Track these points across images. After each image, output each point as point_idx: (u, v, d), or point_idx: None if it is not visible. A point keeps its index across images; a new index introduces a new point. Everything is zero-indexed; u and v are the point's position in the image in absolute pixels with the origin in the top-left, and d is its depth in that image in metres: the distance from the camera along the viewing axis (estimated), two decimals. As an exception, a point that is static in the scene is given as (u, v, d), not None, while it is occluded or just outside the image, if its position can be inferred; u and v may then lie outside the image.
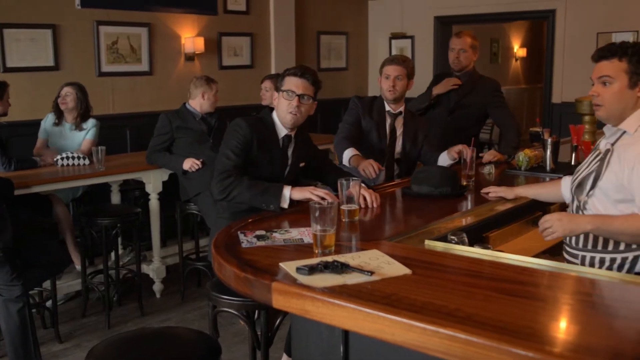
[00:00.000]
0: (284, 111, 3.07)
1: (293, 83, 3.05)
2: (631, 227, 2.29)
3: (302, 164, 3.27)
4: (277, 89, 3.12)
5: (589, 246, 2.49)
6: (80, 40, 5.95)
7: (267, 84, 5.56)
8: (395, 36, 8.87)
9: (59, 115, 4.89)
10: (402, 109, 3.94)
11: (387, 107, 3.91)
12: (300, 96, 3.03)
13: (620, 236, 2.38)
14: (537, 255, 2.68)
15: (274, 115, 3.16)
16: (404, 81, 3.84)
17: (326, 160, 3.51)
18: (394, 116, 3.91)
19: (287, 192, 2.84)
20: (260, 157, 3.08)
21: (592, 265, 2.48)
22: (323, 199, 2.71)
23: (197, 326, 4.21)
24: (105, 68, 6.14)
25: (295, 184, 3.28)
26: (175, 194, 4.87)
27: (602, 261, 2.46)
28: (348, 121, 3.92)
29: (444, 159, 3.81)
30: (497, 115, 4.54)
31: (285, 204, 2.84)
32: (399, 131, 3.93)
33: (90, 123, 4.93)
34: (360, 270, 1.90)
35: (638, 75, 2.36)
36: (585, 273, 2.13)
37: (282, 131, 3.15)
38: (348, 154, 3.67)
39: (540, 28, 11.52)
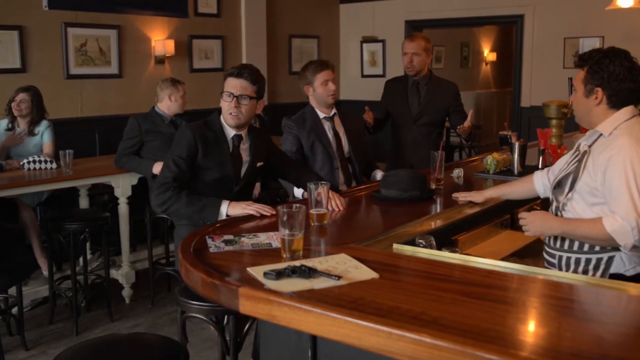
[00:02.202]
0: (225, 113, 3.07)
1: (231, 84, 3.04)
2: (593, 232, 2.35)
3: (260, 164, 3.24)
4: (221, 91, 3.10)
5: (566, 247, 2.53)
6: (48, 42, 5.87)
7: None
8: (367, 40, 8.92)
9: (12, 119, 4.81)
10: (334, 110, 3.93)
11: (321, 114, 3.87)
12: (238, 97, 3.02)
13: (586, 240, 2.43)
14: (505, 259, 2.70)
15: (222, 117, 3.15)
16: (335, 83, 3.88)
17: (285, 157, 3.49)
18: (331, 119, 3.89)
19: (224, 209, 2.84)
20: (209, 161, 3.07)
21: (568, 265, 2.52)
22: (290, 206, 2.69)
23: (167, 332, 4.17)
24: (74, 70, 6.07)
25: (253, 183, 3.27)
26: (145, 198, 4.82)
27: (577, 261, 2.49)
28: (288, 149, 3.82)
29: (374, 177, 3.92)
30: (456, 120, 4.52)
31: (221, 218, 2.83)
32: (341, 131, 3.91)
33: (43, 125, 4.87)
34: (328, 274, 1.90)
35: (592, 85, 2.41)
36: (552, 276, 2.15)
37: (230, 132, 3.14)
38: (300, 190, 3.62)
39: (509, 33, 11.67)
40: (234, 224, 2.65)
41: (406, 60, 4.50)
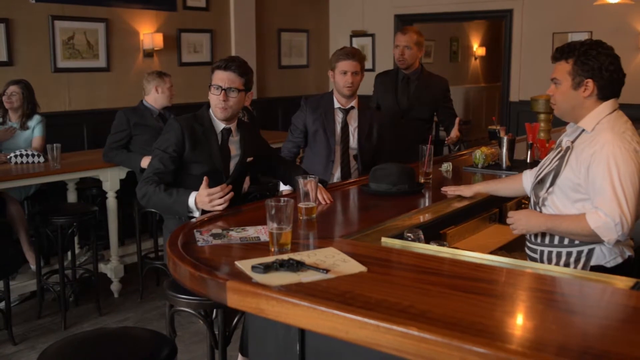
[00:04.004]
0: (214, 106, 3.05)
1: (219, 77, 3.02)
2: (577, 228, 2.38)
3: (249, 159, 3.22)
4: (209, 84, 3.08)
5: (547, 241, 2.55)
6: (35, 35, 5.83)
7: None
8: (356, 34, 8.91)
9: (4, 112, 4.78)
10: (354, 103, 3.84)
11: (337, 104, 3.81)
12: (226, 90, 3.00)
13: (570, 235, 2.46)
14: (493, 252, 2.71)
15: (211, 110, 3.14)
16: (359, 76, 3.76)
17: (274, 153, 3.48)
18: (346, 112, 3.82)
19: (191, 202, 2.77)
20: (197, 155, 3.05)
21: (549, 259, 2.54)
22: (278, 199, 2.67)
23: (155, 326, 4.16)
24: (61, 64, 6.03)
25: (243, 178, 3.26)
26: (133, 192, 4.79)
27: (559, 255, 2.52)
28: (293, 131, 3.85)
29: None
30: (444, 115, 4.53)
31: (196, 213, 2.78)
32: (353, 126, 3.83)
33: (35, 120, 4.84)
34: (316, 268, 1.90)
35: (581, 77, 2.41)
36: (539, 269, 2.16)
37: (219, 125, 3.12)
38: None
39: (498, 27, 11.69)
40: (222, 218, 2.65)
41: (397, 53, 4.47)
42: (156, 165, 2.99)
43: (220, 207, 2.70)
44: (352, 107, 3.84)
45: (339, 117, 3.82)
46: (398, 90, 4.54)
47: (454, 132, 4.15)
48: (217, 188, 2.70)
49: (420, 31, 4.60)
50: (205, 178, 2.76)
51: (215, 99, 3.03)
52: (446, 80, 4.64)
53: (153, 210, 4.66)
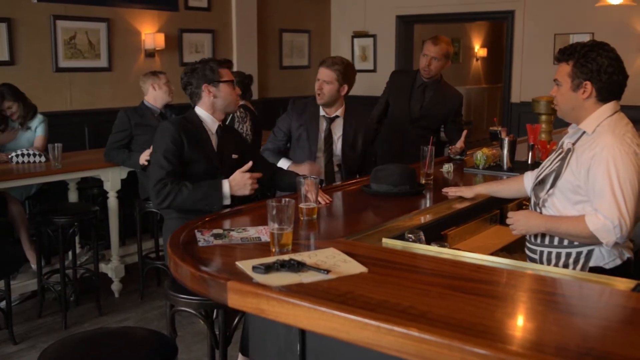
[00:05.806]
0: (232, 101, 3.21)
1: (228, 74, 3.21)
2: (576, 230, 2.38)
3: (235, 156, 3.24)
4: (210, 81, 3.12)
5: (546, 242, 2.56)
6: (37, 35, 5.83)
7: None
8: (358, 35, 8.90)
9: (3, 118, 4.77)
10: (339, 112, 3.74)
11: (322, 112, 3.72)
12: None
13: (569, 237, 2.46)
14: (494, 253, 2.71)
15: (199, 111, 3.18)
16: (332, 85, 3.61)
17: (258, 155, 3.54)
18: (330, 120, 3.73)
19: (227, 190, 2.90)
20: (194, 155, 3.07)
21: (549, 259, 2.54)
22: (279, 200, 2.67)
23: (156, 326, 4.16)
24: (63, 63, 6.02)
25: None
26: (134, 192, 4.81)
27: (558, 256, 2.52)
28: (276, 133, 3.81)
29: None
30: (451, 129, 4.48)
31: (227, 201, 2.90)
32: (337, 135, 3.74)
33: (37, 120, 4.84)
34: (317, 268, 1.90)
35: (580, 79, 2.41)
36: (539, 270, 2.16)
37: (213, 125, 3.18)
38: (284, 163, 3.62)
39: (500, 28, 11.70)
40: (223, 218, 2.65)
41: (424, 63, 4.37)
42: (165, 165, 2.97)
43: (256, 185, 2.93)
44: (337, 116, 3.76)
45: (322, 125, 3.74)
46: (412, 96, 4.45)
47: (459, 144, 4.06)
48: (247, 166, 2.93)
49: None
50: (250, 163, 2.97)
51: (234, 94, 3.21)
52: (461, 96, 4.58)
53: (155, 210, 4.67)
